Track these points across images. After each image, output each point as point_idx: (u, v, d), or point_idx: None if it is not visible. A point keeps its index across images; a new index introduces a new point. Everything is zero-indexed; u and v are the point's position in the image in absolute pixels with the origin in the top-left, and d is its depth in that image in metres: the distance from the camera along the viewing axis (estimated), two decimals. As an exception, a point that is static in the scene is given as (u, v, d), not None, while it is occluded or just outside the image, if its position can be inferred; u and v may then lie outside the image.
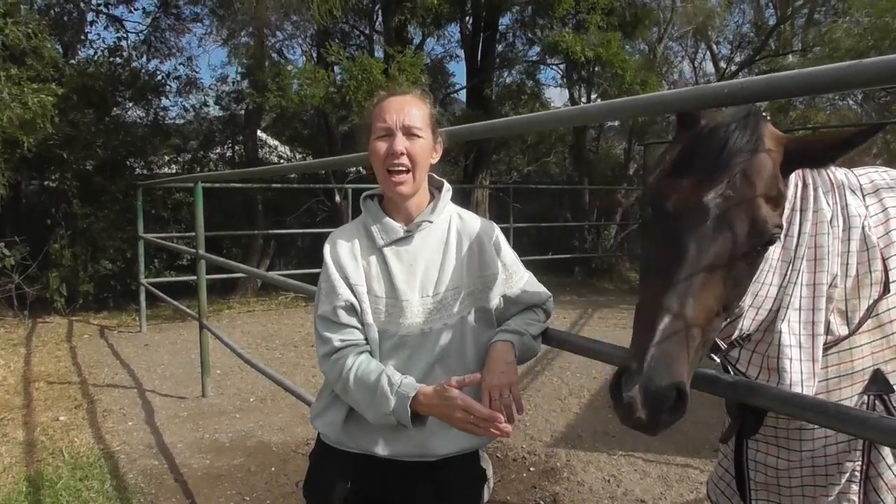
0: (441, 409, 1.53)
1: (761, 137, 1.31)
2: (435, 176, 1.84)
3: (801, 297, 1.44)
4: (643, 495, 3.85)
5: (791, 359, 1.43)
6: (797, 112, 16.99)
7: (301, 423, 4.90)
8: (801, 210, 1.43)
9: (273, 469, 4.26)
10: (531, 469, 4.24)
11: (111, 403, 5.51)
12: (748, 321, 1.42)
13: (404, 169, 1.66)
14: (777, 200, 1.31)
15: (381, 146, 1.68)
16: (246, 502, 3.85)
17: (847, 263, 1.48)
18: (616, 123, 16.67)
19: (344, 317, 1.67)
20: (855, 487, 1.54)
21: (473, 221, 1.82)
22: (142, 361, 6.86)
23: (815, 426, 1.54)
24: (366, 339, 1.68)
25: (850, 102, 16.20)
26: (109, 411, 5.32)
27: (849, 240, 1.48)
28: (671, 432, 4.98)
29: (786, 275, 1.42)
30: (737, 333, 1.44)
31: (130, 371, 6.51)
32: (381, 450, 1.66)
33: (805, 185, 1.44)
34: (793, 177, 1.41)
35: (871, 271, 1.49)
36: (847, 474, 1.54)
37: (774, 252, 1.39)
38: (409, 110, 1.68)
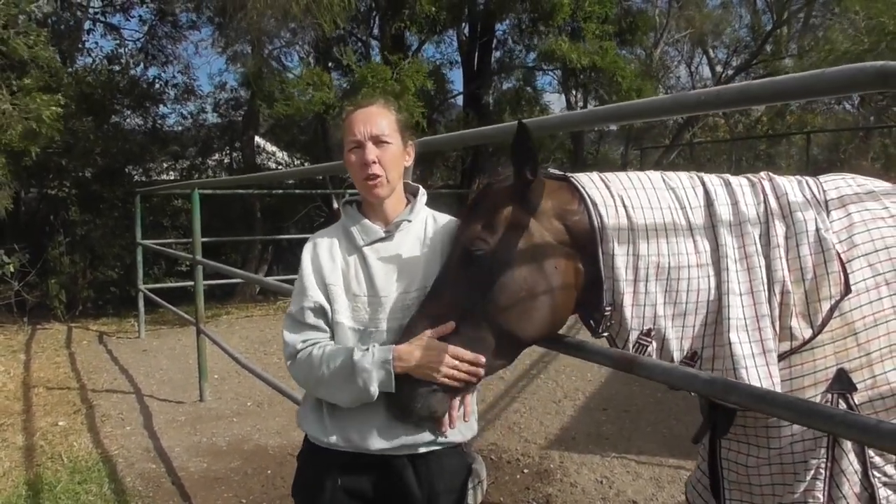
0: (424, 360, 1.58)
1: None
2: (410, 183, 1.93)
3: (742, 305, 1.54)
4: (635, 496, 3.88)
5: (747, 367, 1.52)
6: (794, 116, 17.07)
7: (298, 426, 4.94)
8: (712, 227, 1.57)
9: (269, 472, 4.30)
10: (525, 471, 4.27)
11: (110, 408, 5.54)
12: (670, 330, 1.56)
13: (378, 175, 1.75)
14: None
15: (353, 158, 1.78)
16: (243, 505, 3.89)
17: (801, 268, 1.56)
18: (615, 128, 16.75)
19: (310, 317, 1.75)
20: (820, 485, 1.59)
21: (449, 221, 1.90)
22: (140, 367, 6.90)
23: (783, 424, 1.60)
24: (332, 338, 1.76)
25: (847, 106, 16.28)
26: (108, 416, 5.36)
27: (797, 245, 1.56)
28: (663, 434, 4.99)
29: (720, 285, 1.54)
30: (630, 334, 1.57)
31: (129, 376, 6.55)
32: (371, 445, 1.71)
33: (710, 204, 1.58)
34: (699, 199, 1.60)
35: (828, 273, 1.55)
36: (812, 471, 1.59)
37: (689, 268, 1.55)
38: (376, 120, 1.77)
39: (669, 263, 1.55)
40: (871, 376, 1.55)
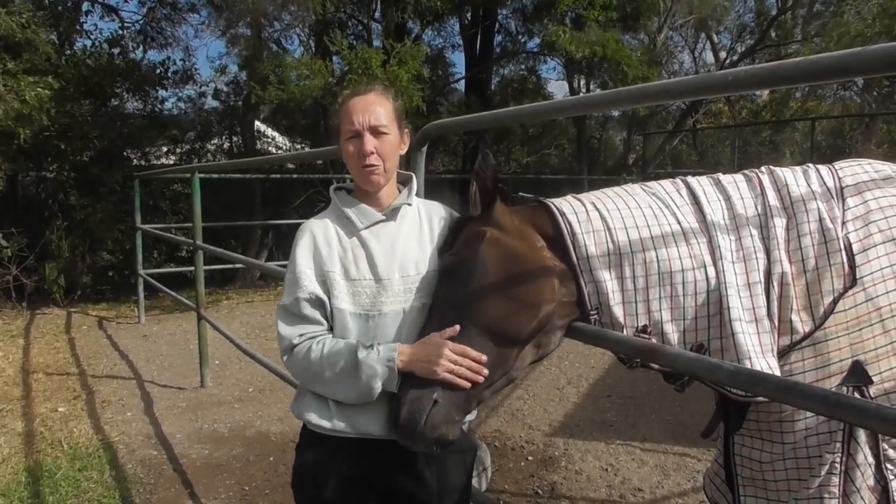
0: (423, 354, 1.56)
1: None
2: (401, 171, 1.90)
3: (739, 297, 1.52)
4: (640, 484, 3.85)
5: (750, 357, 1.49)
6: (797, 102, 16.96)
7: (297, 417, 4.90)
8: (701, 222, 1.55)
9: (272, 459, 4.27)
10: (529, 458, 4.24)
11: (110, 394, 5.51)
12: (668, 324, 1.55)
13: (377, 165, 1.73)
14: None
15: (352, 148, 1.75)
16: (245, 492, 3.86)
17: (802, 260, 1.51)
18: (617, 114, 16.64)
19: (306, 309, 1.69)
20: (835, 479, 1.55)
21: (438, 206, 1.91)
22: (140, 352, 6.85)
23: (797, 418, 1.56)
24: (330, 328, 1.70)
25: (851, 92, 16.16)
26: (108, 402, 5.32)
27: (798, 237, 1.52)
28: (667, 421, 4.97)
29: (717, 276, 1.52)
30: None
31: (129, 362, 6.51)
32: (376, 430, 1.66)
33: (697, 202, 1.57)
34: (684, 197, 1.60)
35: (830, 264, 1.50)
36: (827, 466, 1.55)
37: (682, 259, 1.54)
38: (374, 109, 1.74)
39: (658, 257, 1.53)
40: (888, 368, 1.51)
